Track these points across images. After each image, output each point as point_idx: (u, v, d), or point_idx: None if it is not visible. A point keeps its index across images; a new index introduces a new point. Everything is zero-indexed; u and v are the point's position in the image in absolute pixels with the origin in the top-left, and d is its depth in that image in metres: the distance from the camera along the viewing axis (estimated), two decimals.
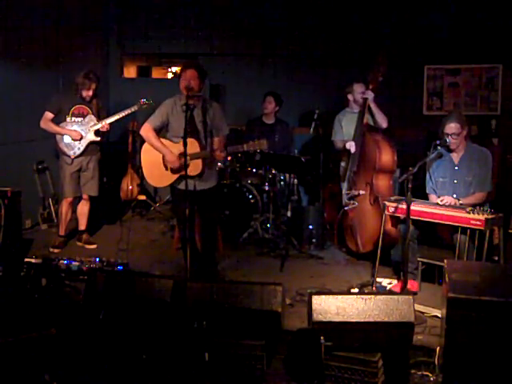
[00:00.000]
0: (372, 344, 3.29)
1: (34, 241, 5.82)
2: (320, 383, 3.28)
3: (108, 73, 8.04)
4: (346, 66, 7.19)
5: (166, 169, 4.57)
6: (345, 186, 5.61)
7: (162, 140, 4.58)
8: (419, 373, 3.36)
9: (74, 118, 5.63)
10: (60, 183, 5.81)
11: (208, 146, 4.49)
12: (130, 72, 9.05)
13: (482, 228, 4.10)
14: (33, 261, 4.74)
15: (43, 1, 6.54)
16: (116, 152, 7.28)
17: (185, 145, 4.09)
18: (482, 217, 4.09)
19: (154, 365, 3.47)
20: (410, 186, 4.19)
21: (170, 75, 9.95)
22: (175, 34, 7.93)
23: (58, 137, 5.62)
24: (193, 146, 4.28)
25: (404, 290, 4.26)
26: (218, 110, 4.60)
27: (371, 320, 3.28)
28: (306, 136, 6.89)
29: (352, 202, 5.37)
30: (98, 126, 5.63)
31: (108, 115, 5.75)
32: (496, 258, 4.42)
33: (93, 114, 5.67)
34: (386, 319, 3.27)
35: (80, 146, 5.62)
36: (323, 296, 3.38)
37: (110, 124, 5.68)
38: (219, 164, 5.82)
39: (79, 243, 5.89)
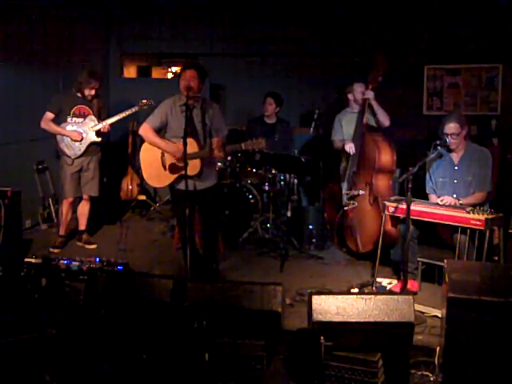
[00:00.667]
0: (372, 344, 3.29)
1: (33, 241, 5.83)
2: (320, 383, 3.28)
3: (108, 73, 8.04)
4: (346, 66, 7.19)
5: (165, 169, 4.57)
6: (345, 186, 5.61)
7: (163, 138, 4.59)
8: (419, 373, 3.36)
9: (74, 119, 5.63)
10: (60, 183, 5.82)
11: (207, 146, 4.49)
12: (130, 72, 9.05)
13: (482, 228, 4.10)
14: (33, 261, 4.73)
15: (43, 1, 6.54)
16: (116, 152, 7.28)
17: (185, 145, 4.09)
18: (481, 217, 4.09)
19: (153, 365, 3.47)
20: (409, 186, 4.19)
21: (170, 75, 9.94)
22: (175, 34, 7.93)
23: (58, 137, 5.62)
24: (191, 146, 4.28)
25: (404, 290, 4.26)
26: (216, 111, 4.61)
27: (371, 320, 3.28)
28: (306, 136, 6.89)
29: (352, 202, 5.37)
30: (99, 127, 5.63)
31: (108, 116, 5.76)
32: (496, 258, 4.42)
33: (93, 114, 5.67)
34: (386, 319, 3.27)
35: (81, 147, 5.62)
36: (323, 296, 3.38)
37: (111, 125, 5.68)
38: (219, 164, 5.82)
39: (79, 243, 5.89)
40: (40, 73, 6.53)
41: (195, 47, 7.90)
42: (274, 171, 6.15)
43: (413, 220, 4.37)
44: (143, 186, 7.26)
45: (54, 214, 6.58)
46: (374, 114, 5.51)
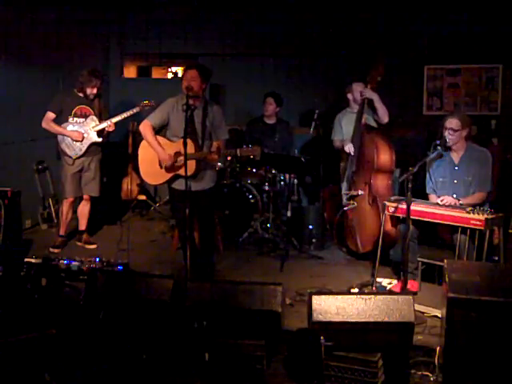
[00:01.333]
0: (372, 344, 3.29)
1: (33, 241, 5.82)
2: (320, 383, 3.28)
3: (108, 73, 8.04)
4: (346, 66, 7.19)
5: (161, 167, 4.59)
6: (344, 186, 5.61)
7: (159, 138, 4.61)
8: (419, 373, 3.36)
9: (76, 119, 5.63)
10: (61, 183, 5.81)
11: (205, 147, 4.50)
12: (130, 72, 9.04)
13: (481, 228, 4.10)
14: (33, 261, 4.73)
15: (43, 1, 6.54)
16: (116, 152, 7.28)
17: (185, 145, 4.09)
18: (481, 217, 4.09)
19: (153, 365, 3.47)
20: (410, 185, 4.19)
21: (170, 75, 9.94)
22: (175, 34, 7.93)
23: (59, 137, 5.62)
24: (188, 147, 4.27)
25: (404, 290, 4.26)
26: (218, 113, 4.62)
27: (371, 320, 3.28)
28: (306, 136, 6.89)
29: (351, 202, 5.37)
30: (104, 125, 5.62)
31: (109, 116, 5.75)
32: (496, 258, 4.42)
33: (95, 114, 5.67)
34: (386, 319, 3.27)
35: (82, 147, 5.62)
36: (323, 296, 3.38)
37: (115, 123, 5.67)
38: (219, 164, 5.82)
39: (79, 243, 5.89)
40: (40, 73, 6.52)
41: (195, 47, 7.91)
42: (273, 171, 6.15)
43: (413, 220, 4.37)
44: (143, 186, 7.26)
45: (54, 214, 6.58)
46: (373, 111, 5.50)
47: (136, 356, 3.50)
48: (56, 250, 5.61)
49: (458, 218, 4.22)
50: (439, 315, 3.83)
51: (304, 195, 7.10)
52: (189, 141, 4.32)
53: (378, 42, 6.97)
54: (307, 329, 3.50)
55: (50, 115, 5.58)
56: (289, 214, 5.88)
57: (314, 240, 5.89)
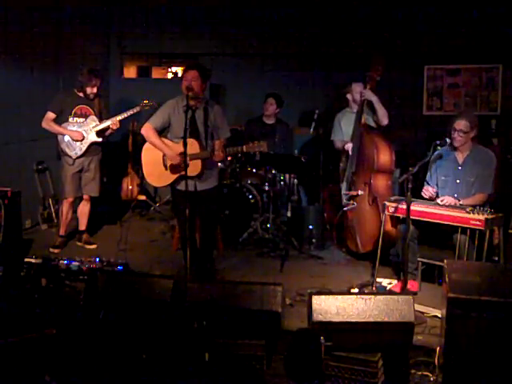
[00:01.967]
0: (372, 344, 3.29)
1: (33, 241, 5.82)
2: (320, 383, 3.28)
3: (108, 73, 8.04)
4: (346, 66, 7.19)
5: (166, 168, 4.58)
6: (344, 186, 5.61)
7: (163, 139, 4.59)
8: (419, 373, 3.36)
9: (76, 119, 5.62)
10: (61, 183, 5.81)
11: (208, 147, 4.50)
12: (130, 72, 9.06)
13: (481, 228, 4.10)
14: (33, 261, 4.74)
15: (43, 1, 6.54)
16: (116, 152, 7.28)
17: (185, 145, 4.09)
18: (481, 217, 4.09)
19: (154, 365, 3.47)
20: (410, 186, 4.19)
21: (170, 75, 9.95)
22: (175, 34, 7.93)
23: (59, 137, 5.61)
24: (193, 147, 4.28)
25: (404, 290, 4.26)
26: (219, 113, 4.61)
27: (371, 320, 3.28)
28: (306, 136, 6.89)
29: (351, 202, 5.37)
30: (104, 125, 5.61)
31: (110, 115, 5.74)
32: (496, 258, 4.42)
33: (95, 114, 5.67)
34: (386, 319, 3.27)
35: (82, 147, 5.62)
36: (323, 296, 3.38)
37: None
38: (219, 164, 5.82)
39: (79, 243, 5.89)
40: (40, 73, 6.52)
41: (195, 47, 7.91)
42: (273, 171, 6.16)
43: (413, 220, 4.37)
44: (143, 186, 7.26)
45: (53, 214, 6.58)
46: (373, 112, 5.51)
47: (136, 356, 3.50)
48: (56, 250, 5.61)
49: (457, 218, 4.22)
50: (439, 315, 3.83)
51: (304, 195, 7.10)
52: (193, 141, 4.33)
53: (378, 42, 6.97)
54: (307, 329, 3.50)
55: (50, 115, 5.58)
56: (289, 214, 5.89)
57: (313, 240, 5.89)
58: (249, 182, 6.25)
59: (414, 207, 4.38)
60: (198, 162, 4.41)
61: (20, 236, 5.42)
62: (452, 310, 3.13)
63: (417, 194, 4.63)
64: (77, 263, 4.75)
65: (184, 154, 4.14)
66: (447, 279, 3.26)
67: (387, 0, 7.13)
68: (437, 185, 4.73)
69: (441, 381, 3.25)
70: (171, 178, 4.58)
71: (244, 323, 3.51)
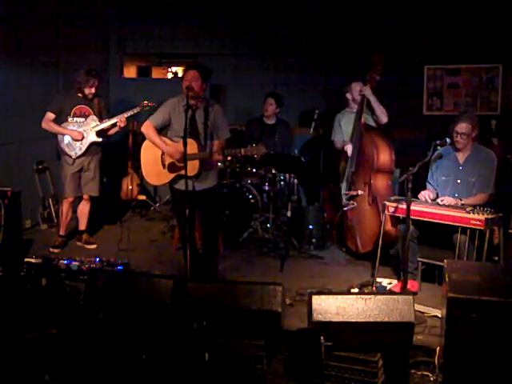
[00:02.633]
0: (372, 344, 3.28)
1: (33, 241, 5.82)
2: (320, 383, 3.28)
3: (108, 73, 8.04)
4: (346, 66, 7.19)
5: (164, 167, 4.58)
6: (344, 186, 5.61)
7: (163, 138, 4.59)
8: (419, 373, 3.36)
9: (75, 119, 5.63)
10: (61, 183, 5.81)
11: (207, 147, 4.50)
12: (130, 72, 9.05)
13: (482, 228, 4.11)
14: (33, 261, 4.74)
15: (43, 1, 6.54)
16: (116, 152, 7.28)
17: (185, 145, 4.08)
18: (481, 217, 4.09)
19: (154, 365, 3.47)
20: (410, 186, 4.19)
21: (170, 75, 9.95)
22: (175, 34, 7.94)
23: (59, 137, 5.62)
24: (191, 147, 4.28)
25: (404, 290, 4.26)
26: (220, 113, 4.61)
27: (371, 320, 3.28)
28: (306, 136, 6.89)
29: (351, 202, 5.37)
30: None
31: (110, 115, 5.74)
32: (496, 258, 4.42)
33: (94, 114, 5.67)
34: (386, 319, 3.27)
35: (81, 147, 5.62)
36: (323, 296, 3.38)
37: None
38: (219, 164, 5.82)
39: (79, 243, 5.89)
40: (40, 73, 6.52)
41: (195, 47, 7.91)
42: (273, 171, 6.15)
43: (413, 220, 4.37)
44: (143, 186, 7.26)
45: (53, 214, 6.58)
46: (372, 112, 5.51)
47: (136, 356, 3.50)
48: (56, 250, 5.61)
49: (457, 218, 4.22)
50: (439, 315, 3.83)
51: (304, 195, 7.10)
52: (191, 141, 4.32)
53: (379, 42, 6.97)
54: (307, 329, 3.50)
55: (50, 115, 5.58)
56: (289, 214, 5.87)
57: (313, 240, 5.89)
58: (249, 181, 6.25)
59: (414, 207, 4.38)
60: (196, 163, 4.41)
61: (20, 236, 5.43)
62: (452, 310, 3.13)
63: (417, 194, 4.63)
64: (77, 263, 4.75)
65: (184, 154, 4.13)
66: (447, 279, 3.25)
67: (387, 0, 7.13)
68: (437, 185, 4.73)
69: (441, 381, 3.25)
70: (169, 176, 4.59)
71: (244, 323, 3.51)
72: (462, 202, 4.46)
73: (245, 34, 7.73)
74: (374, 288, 4.65)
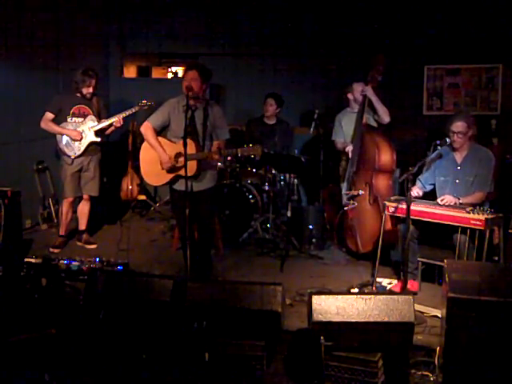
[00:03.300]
0: (372, 344, 3.29)
1: (33, 241, 5.83)
2: (320, 383, 3.28)
3: (108, 73, 8.04)
4: (346, 66, 7.19)
5: (162, 168, 4.59)
6: (344, 186, 5.61)
7: (160, 139, 4.59)
8: (419, 373, 3.36)
9: (74, 119, 5.63)
10: (60, 183, 5.82)
11: (206, 148, 4.50)
12: (130, 72, 9.04)
13: (482, 228, 4.11)
14: (33, 261, 4.73)
15: (43, 1, 6.54)
16: (116, 152, 7.28)
17: (185, 145, 4.09)
18: (481, 217, 4.09)
19: (154, 365, 3.47)
20: (410, 186, 4.19)
21: (170, 75, 9.94)
22: (175, 34, 7.93)
23: (58, 137, 5.62)
24: (189, 147, 4.27)
25: (404, 290, 4.26)
26: (219, 114, 4.62)
27: (371, 320, 3.28)
28: (306, 136, 6.89)
29: (351, 202, 5.37)
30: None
31: (110, 115, 5.74)
32: (496, 258, 4.42)
33: (93, 114, 5.67)
34: (386, 319, 3.27)
35: (80, 147, 5.62)
36: (323, 296, 3.38)
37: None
38: (219, 164, 5.82)
39: (79, 243, 5.89)
40: (40, 73, 6.52)
41: (195, 47, 7.91)
42: (273, 171, 6.15)
43: (413, 220, 4.37)
44: (143, 186, 7.26)
45: (53, 214, 6.58)
46: (373, 111, 5.51)
47: (136, 356, 3.50)
48: (56, 250, 5.61)
49: (457, 218, 4.22)
50: (439, 315, 3.83)
51: (304, 195, 7.10)
52: (190, 141, 4.32)
53: (378, 42, 6.96)
54: (307, 329, 3.50)
55: (49, 115, 5.58)
56: (289, 214, 5.88)
57: (313, 240, 5.89)
58: (249, 181, 6.25)
59: (414, 207, 4.38)
60: (194, 163, 4.41)
61: (20, 236, 5.43)
62: (452, 310, 3.13)
63: None
64: (77, 263, 4.75)
65: (184, 154, 4.14)
66: (447, 279, 3.26)
67: (388, 0, 7.13)
68: (435, 185, 4.73)
69: (441, 381, 3.25)
70: (167, 177, 4.60)
71: (244, 323, 3.51)
72: (460, 201, 4.46)
73: (245, 34, 7.72)
74: (374, 288, 4.65)
